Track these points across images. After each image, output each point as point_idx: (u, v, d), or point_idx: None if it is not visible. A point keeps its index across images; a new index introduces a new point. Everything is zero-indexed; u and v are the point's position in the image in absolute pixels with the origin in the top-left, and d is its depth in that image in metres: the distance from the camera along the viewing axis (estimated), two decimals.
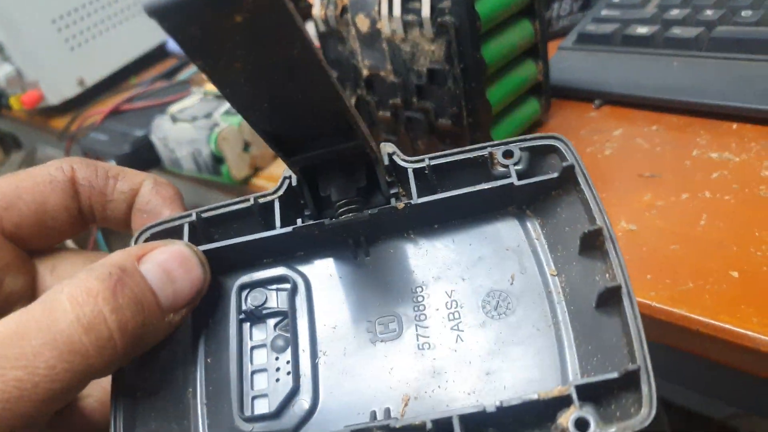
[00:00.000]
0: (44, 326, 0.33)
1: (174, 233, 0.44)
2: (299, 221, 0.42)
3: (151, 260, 0.39)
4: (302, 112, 0.35)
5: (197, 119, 0.84)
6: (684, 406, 1.55)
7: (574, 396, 0.33)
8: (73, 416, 0.44)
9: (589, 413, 0.33)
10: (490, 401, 0.35)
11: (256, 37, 0.27)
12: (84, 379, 0.34)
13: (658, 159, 0.67)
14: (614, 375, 0.33)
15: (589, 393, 0.34)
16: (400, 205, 0.41)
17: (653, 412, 0.32)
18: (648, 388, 0.32)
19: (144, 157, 0.92)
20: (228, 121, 0.83)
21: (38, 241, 0.45)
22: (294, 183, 0.43)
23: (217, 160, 0.82)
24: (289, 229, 0.42)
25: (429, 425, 0.35)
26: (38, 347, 0.32)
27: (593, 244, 0.38)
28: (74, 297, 0.34)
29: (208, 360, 0.44)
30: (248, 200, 0.44)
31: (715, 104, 0.68)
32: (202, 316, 0.45)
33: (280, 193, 0.44)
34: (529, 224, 0.42)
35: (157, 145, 0.89)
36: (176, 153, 0.86)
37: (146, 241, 0.43)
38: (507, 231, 0.43)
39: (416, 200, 0.41)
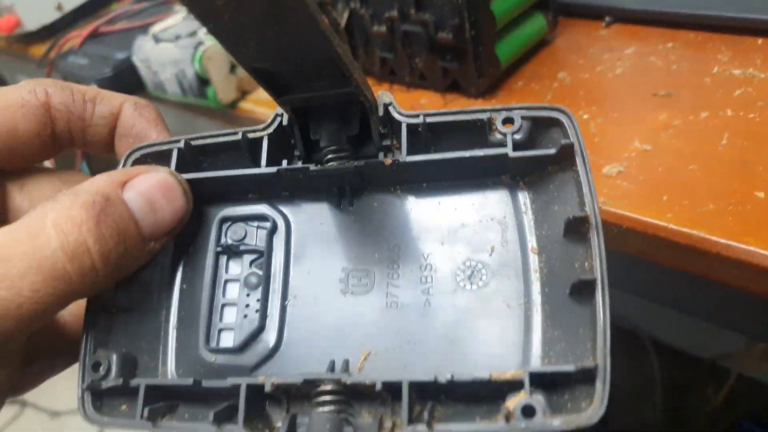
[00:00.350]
0: (29, 251, 0.34)
1: (162, 157, 0.44)
2: (285, 162, 0.42)
3: (134, 188, 0.39)
4: (292, 56, 0.34)
5: (181, 38, 0.79)
6: (673, 346, 1.55)
7: (526, 382, 0.33)
8: (48, 329, 0.44)
9: (537, 402, 0.33)
10: (446, 370, 0.35)
11: None
12: (65, 302, 0.35)
13: (674, 77, 0.63)
14: (571, 368, 0.32)
15: (542, 381, 0.33)
16: (388, 161, 0.40)
17: (602, 410, 0.32)
18: (602, 386, 0.32)
19: (126, 80, 0.87)
20: (213, 39, 0.77)
21: (8, 164, 0.44)
22: (285, 122, 0.42)
23: (203, 81, 0.77)
24: (273, 169, 0.42)
25: (379, 386, 0.35)
26: (23, 270, 0.33)
27: (578, 230, 0.36)
28: (59, 225, 0.35)
29: (184, 286, 0.45)
30: (236, 133, 0.43)
31: (739, 17, 0.64)
32: (183, 242, 0.46)
33: (270, 130, 0.43)
34: (519, 196, 0.41)
35: (140, 67, 0.84)
36: (160, 75, 0.81)
37: (134, 163, 0.44)
38: (496, 200, 0.41)
39: (404, 158, 0.40)
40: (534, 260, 0.39)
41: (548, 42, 0.74)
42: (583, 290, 0.35)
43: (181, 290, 0.45)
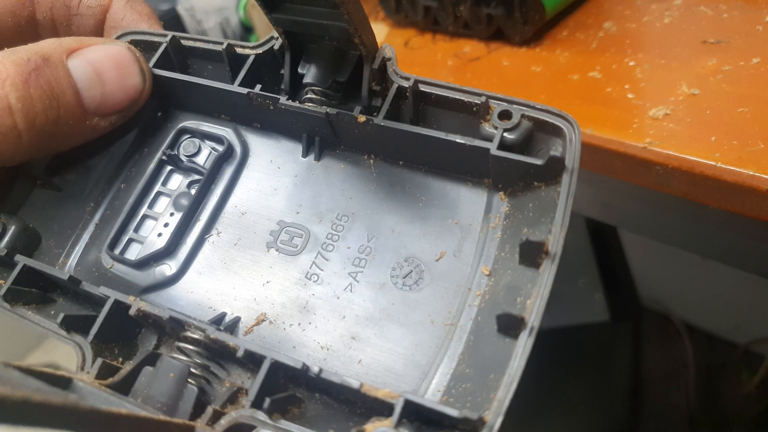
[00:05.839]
0: None
1: (150, 50, 0.41)
2: (258, 87, 0.39)
3: (82, 56, 0.36)
4: None
5: None
6: (706, 330, 1.53)
7: (398, 409, 0.28)
8: None
9: None
10: (332, 366, 0.32)
11: None
12: None
13: (725, 25, 0.61)
14: (454, 413, 0.28)
15: (420, 415, 0.29)
16: (361, 118, 0.36)
17: None
18: None
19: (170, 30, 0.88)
20: None
21: None
22: (276, 47, 0.39)
23: (246, 29, 0.78)
24: (243, 90, 0.39)
25: (240, 352, 0.31)
26: None
27: (533, 258, 0.31)
28: None
29: (122, 185, 0.42)
30: (222, 43, 0.40)
31: None
32: (144, 140, 0.43)
33: (259, 50, 0.40)
34: (494, 207, 0.36)
35: (184, 16, 0.85)
36: (204, 24, 0.82)
37: None
38: (468, 204, 0.37)
39: (380, 120, 0.36)
40: (481, 282, 0.34)
41: None
42: (509, 328, 0.30)
43: (118, 188, 0.42)
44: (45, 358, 2.00)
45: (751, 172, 0.46)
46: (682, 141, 0.51)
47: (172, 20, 0.88)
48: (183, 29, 0.87)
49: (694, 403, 1.48)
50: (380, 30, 0.78)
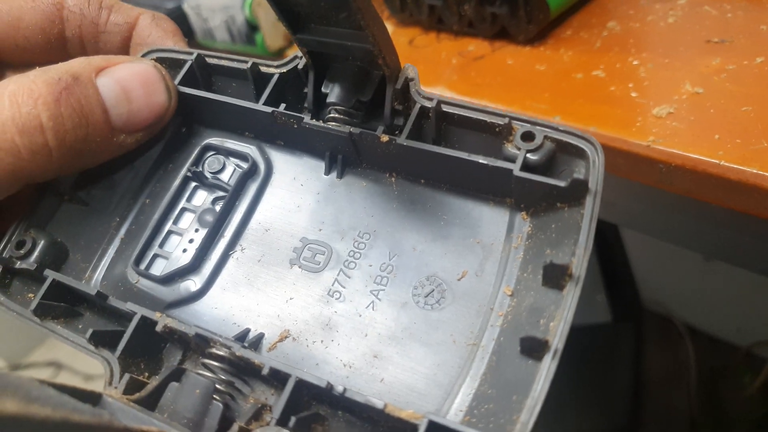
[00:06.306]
0: None
1: (175, 67, 0.42)
2: (283, 107, 0.39)
3: (111, 74, 0.36)
4: None
5: None
6: (708, 332, 1.53)
7: (422, 431, 0.28)
8: None
9: None
10: (355, 384, 0.32)
11: None
12: (15, 180, 0.33)
13: (729, 25, 0.61)
14: None
15: None
16: (384, 137, 0.36)
17: None
18: None
19: None
20: None
21: (9, 57, 0.43)
22: (300, 66, 0.40)
23: (252, 28, 0.78)
24: (268, 109, 0.39)
25: (266, 370, 0.32)
26: None
27: (557, 281, 0.31)
28: (15, 96, 0.32)
29: (147, 201, 0.42)
30: (247, 62, 0.41)
31: None
32: (168, 156, 0.43)
33: (283, 69, 0.40)
34: (516, 226, 0.36)
35: (190, 14, 0.85)
36: (209, 22, 0.82)
37: None
38: (490, 223, 0.37)
39: (402, 140, 0.36)
40: (504, 302, 0.34)
41: None
42: (533, 351, 0.30)
43: (143, 204, 0.43)
44: (48, 355, 2.01)
45: (754, 170, 0.47)
46: (685, 139, 0.51)
47: (178, 18, 0.89)
48: (188, 27, 0.87)
49: (696, 406, 1.48)
50: None
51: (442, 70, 0.68)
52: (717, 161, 0.48)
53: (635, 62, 0.60)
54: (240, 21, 0.78)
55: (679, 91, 0.55)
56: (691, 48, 0.60)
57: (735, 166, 0.48)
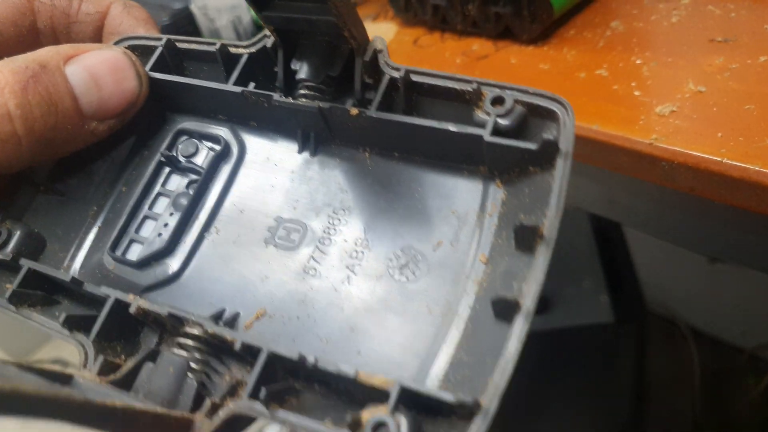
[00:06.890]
0: None
1: (147, 54, 0.42)
2: (252, 86, 0.39)
3: (79, 62, 0.36)
4: None
5: None
6: (712, 335, 1.53)
7: (393, 396, 0.28)
8: None
9: (396, 423, 0.28)
10: (331, 356, 0.32)
11: None
12: None
13: (733, 24, 0.62)
14: (450, 398, 0.28)
15: (417, 402, 0.29)
16: (354, 110, 0.36)
17: None
18: (477, 430, 0.27)
19: (183, 29, 0.89)
20: None
21: None
22: (269, 45, 0.40)
23: (259, 27, 0.79)
24: (237, 89, 0.39)
25: (238, 345, 0.32)
26: None
27: (529, 243, 0.31)
28: None
29: (123, 188, 0.43)
30: (215, 44, 0.41)
31: None
32: (144, 143, 0.43)
33: (252, 49, 0.40)
34: (491, 194, 0.36)
35: (197, 15, 0.86)
36: (216, 22, 0.83)
37: None
38: (465, 192, 0.36)
39: (373, 112, 0.36)
40: (479, 269, 0.34)
41: None
42: (504, 313, 0.30)
43: (120, 191, 0.43)
44: (53, 353, 2.01)
45: (757, 168, 0.47)
46: (688, 137, 0.51)
47: (185, 18, 0.89)
48: (196, 27, 0.88)
49: (699, 408, 1.48)
50: (389, 29, 0.79)
51: (446, 70, 0.68)
52: (719, 159, 0.49)
53: (638, 61, 0.61)
54: (246, 21, 0.79)
55: (682, 89, 0.56)
56: (694, 47, 0.60)
57: (737, 164, 0.48)
